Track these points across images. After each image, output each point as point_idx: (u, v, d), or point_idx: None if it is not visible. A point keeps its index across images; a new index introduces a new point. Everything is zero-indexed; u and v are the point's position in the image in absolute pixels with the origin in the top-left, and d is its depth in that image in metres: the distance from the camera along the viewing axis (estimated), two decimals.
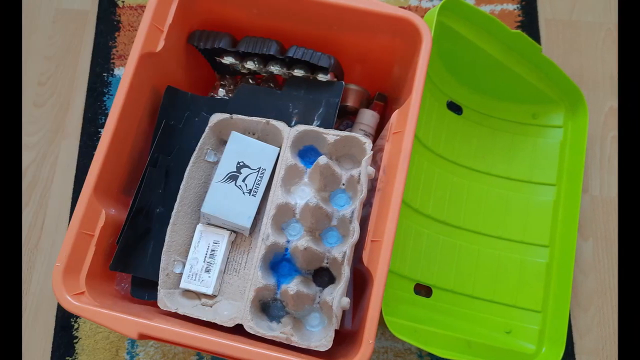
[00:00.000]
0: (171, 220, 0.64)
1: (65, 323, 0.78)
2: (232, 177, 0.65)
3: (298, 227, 0.64)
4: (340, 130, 0.67)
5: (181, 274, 0.64)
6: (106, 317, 0.54)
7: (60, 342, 0.77)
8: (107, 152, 0.60)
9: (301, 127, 0.65)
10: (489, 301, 0.77)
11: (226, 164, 0.65)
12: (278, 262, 0.63)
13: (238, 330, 0.59)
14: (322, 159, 0.62)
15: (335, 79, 0.70)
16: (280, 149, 0.66)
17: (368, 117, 0.77)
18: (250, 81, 0.76)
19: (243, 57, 0.71)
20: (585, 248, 0.82)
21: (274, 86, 0.76)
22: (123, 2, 0.93)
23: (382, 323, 0.63)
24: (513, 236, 0.80)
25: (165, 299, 0.62)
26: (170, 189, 0.65)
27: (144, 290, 0.65)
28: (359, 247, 0.62)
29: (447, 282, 0.77)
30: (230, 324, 0.59)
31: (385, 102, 0.80)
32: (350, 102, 0.79)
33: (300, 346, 0.57)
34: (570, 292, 0.76)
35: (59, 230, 0.83)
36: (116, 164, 0.63)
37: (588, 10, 0.94)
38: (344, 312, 0.59)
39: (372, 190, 0.64)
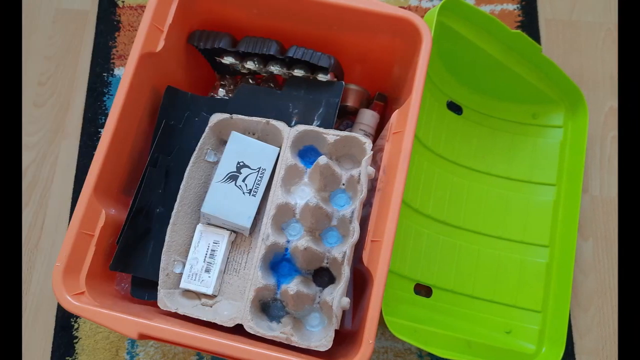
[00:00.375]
0: (171, 220, 0.64)
1: (65, 323, 0.78)
2: (232, 177, 0.65)
3: (298, 227, 0.64)
4: (340, 130, 0.67)
5: (181, 274, 0.64)
6: (106, 317, 0.54)
7: (60, 342, 0.77)
8: (107, 152, 0.60)
9: (301, 127, 0.65)
10: (489, 301, 0.77)
11: (226, 164, 0.65)
12: (278, 262, 0.63)
13: (238, 330, 0.59)
14: (322, 159, 0.62)
15: (335, 79, 0.70)
16: (280, 149, 0.66)
17: (368, 117, 0.77)
18: (250, 81, 0.76)
19: (243, 57, 0.71)
20: (585, 248, 0.82)
21: (274, 86, 0.76)
22: (123, 2, 0.93)
23: (382, 323, 0.63)
24: (513, 236, 0.80)
25: (165, 299, 0.62)
26: (170, 189, 0.65)
27: (144, 290, 0.65)
28: (359, 247, 0.61)
29: (447, 282, 0.77)
30: (230, 324, 0.59)
31: (385, 102, 0.80)
32: (350, 102, 0.79)
33: (300, 346, 0.57)
34: (570, 292, 0.76)
35: (59, 230, 0.83)
36: (116, 164, 0.63)
37: (588, 10, 0.94)
38: (344, 312, 0.59)
39: (372, 190, 0.64)
